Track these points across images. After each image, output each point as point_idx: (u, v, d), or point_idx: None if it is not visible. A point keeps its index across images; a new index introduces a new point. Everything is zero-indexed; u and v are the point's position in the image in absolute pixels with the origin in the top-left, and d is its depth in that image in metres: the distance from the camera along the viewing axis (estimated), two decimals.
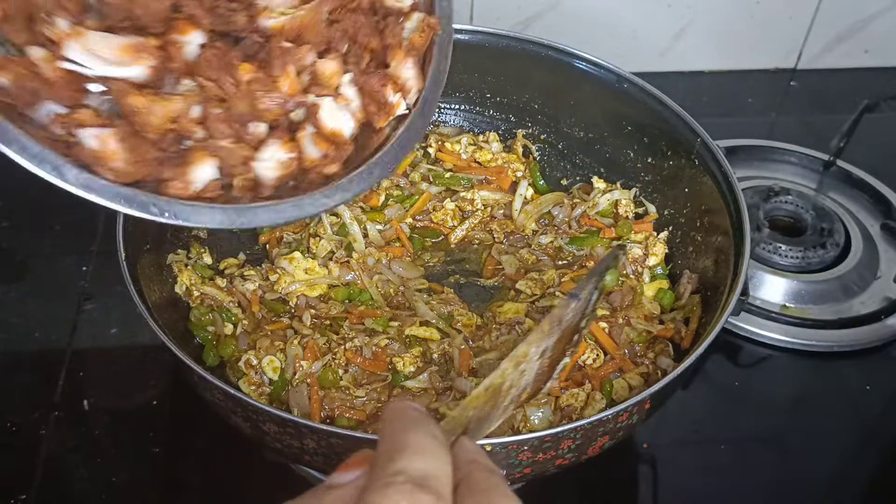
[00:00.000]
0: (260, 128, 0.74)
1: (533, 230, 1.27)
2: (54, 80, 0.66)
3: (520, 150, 1.35)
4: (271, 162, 0.74)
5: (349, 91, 0.78)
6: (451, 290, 1.18)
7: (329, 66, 0.76)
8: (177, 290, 1.10)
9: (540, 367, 0.71)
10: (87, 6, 0.68)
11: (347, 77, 0.77)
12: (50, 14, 0.66)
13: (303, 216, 0.76)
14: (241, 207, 0.73)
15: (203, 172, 0.71)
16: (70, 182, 0.66)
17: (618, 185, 1.29)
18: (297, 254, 1.15)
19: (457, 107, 1.38)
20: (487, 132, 1.37)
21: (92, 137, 0.67)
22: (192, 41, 0.71)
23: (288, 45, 0.73)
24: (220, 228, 0.75)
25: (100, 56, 0.66)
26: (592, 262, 1.18)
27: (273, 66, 0.72)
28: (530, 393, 0.72)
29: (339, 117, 0.77)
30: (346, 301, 1.14)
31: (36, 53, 0.66)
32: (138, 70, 0.68)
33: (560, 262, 1.22)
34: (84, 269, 1.27)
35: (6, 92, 0.65)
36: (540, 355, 0.70)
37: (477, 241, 1.27)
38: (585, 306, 0.74)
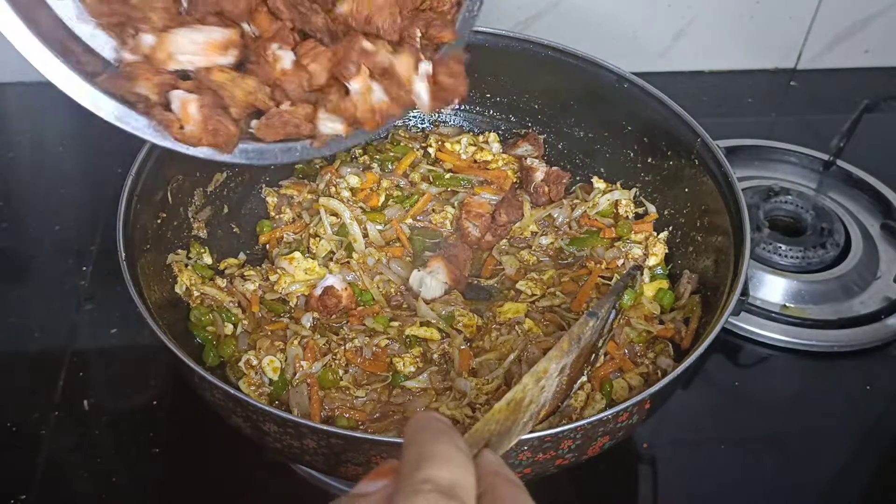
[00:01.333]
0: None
1: (533, 231, 1.26)
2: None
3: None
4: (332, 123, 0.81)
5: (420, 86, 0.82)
6: None
7: (406, 62, 0.79)
8: (177, 290, 1.10)
9: (559, 384, 0.71)
10: (175, 12, 0.75)
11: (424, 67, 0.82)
12: (137, 28, 0.73)
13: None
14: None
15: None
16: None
17: (618, 185, 1.29)
18: (297, 254, 1.15)
19: (457, 107, 1.38)
20: (487, 132, 1.37)
21: (177, 100, 0.74)
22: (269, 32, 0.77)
23: (368, 46, 0.76)
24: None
25: (191, 57, 0.74)
26: (593, 263, 1.18)
27: (347, 67, 0.76)
28: (548, 410, 0.73)
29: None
30: None
31: (130, 58, 0.74)
32: (227, 60, 0.75)
33: (561, 262, 1.22)
34: (84, 269, 1.26)
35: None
36: (559, 372, 0.70)
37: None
38: (603, 325, 0.74)
